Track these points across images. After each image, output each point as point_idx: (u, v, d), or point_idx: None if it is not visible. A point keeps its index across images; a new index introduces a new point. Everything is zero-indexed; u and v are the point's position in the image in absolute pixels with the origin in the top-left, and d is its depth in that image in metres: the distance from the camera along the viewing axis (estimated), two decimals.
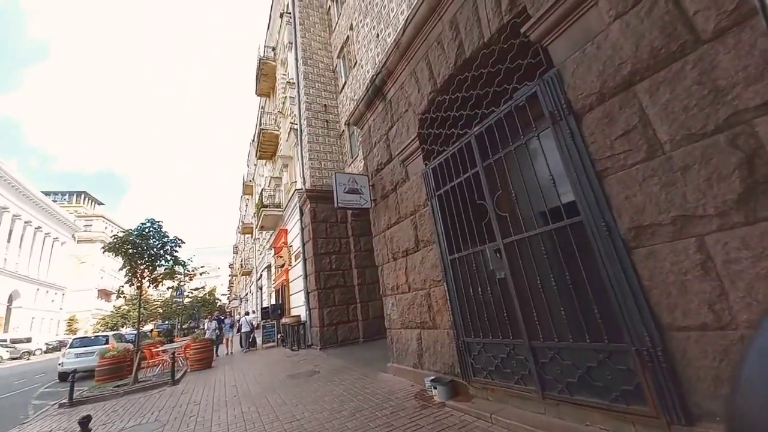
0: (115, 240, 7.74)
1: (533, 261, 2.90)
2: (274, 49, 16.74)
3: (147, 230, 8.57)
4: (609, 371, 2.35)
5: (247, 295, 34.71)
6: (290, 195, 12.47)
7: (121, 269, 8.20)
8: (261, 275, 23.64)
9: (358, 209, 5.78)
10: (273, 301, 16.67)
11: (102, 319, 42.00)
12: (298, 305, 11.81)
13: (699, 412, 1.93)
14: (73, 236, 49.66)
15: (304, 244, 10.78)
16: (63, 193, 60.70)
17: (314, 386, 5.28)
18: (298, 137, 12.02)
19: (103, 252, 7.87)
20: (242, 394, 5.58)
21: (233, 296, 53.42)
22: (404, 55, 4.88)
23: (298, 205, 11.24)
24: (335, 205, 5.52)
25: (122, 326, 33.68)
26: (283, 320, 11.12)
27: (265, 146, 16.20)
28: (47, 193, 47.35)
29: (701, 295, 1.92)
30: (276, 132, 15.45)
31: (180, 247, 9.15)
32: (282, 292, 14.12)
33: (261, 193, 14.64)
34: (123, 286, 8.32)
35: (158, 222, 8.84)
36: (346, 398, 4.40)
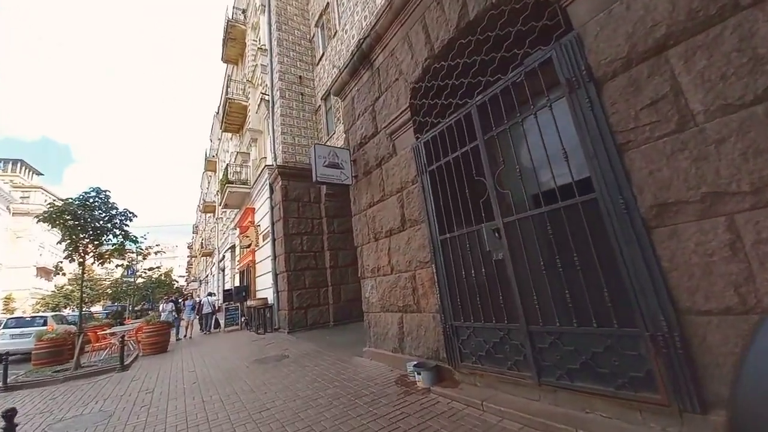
0: (51, 209, 6.70)
1: (537, 242, 2.71)
2: (244, 11, 15.33)
3: (91, 200, 7.56)
4: (616, 357, 2.23)
5: (207, 276, 33.00)
6: (259, 171, 11.65)
7: (59, 243, 7.19)
8: (223, 256, 22.43)
9: (337, 185, 5.36)
10: (237, 283, 15.85)
11: (42, 299, 38.14)
12: (264, 287, 11.23)
13: (715, 399, 1.83)
14: (8, 208, 44.15)
15: (273, 224, 10.16)
16: None
17: (284, 371, 4.93)
18: (270, 109, 11.17)
19: (37, 222, 6.82)
20: (203, 380, 5.10)
21: (192, 278, 50.77)
22: (397, 17, 4.44)
23: (268, 182, 10.52)
24: (314, 179, 5.06)
25: (65, 307, 30.83)
26: (249, 302, 10.51)
27: (232, 118, 15.00)
28: None
29: (727, 277, 1.80)
30: (244, 103, 14.31)
31: (131, 221, 8.21)
32: (247, 273, 13.39)
33: (226, 168, 13.60)
34: (62, 262, 7.30)
35: (105, 192, 7.82)
36: (320, 384, 4.10)
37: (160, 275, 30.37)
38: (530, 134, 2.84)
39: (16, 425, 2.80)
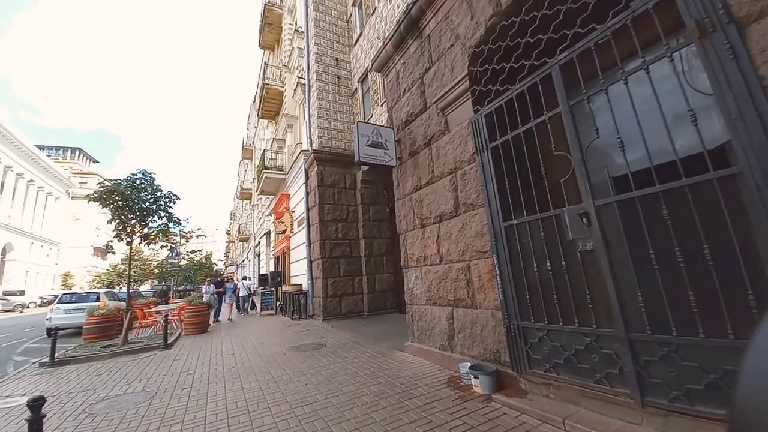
0: (102, 189, 6.90)
1: (645, 229, 2.16)
2: None
3: (138, 182, 7.75)
4: None
5: (244, 261, 34.38)
6: (295, 157, 11.56)
7: (109, 222, 7.44)
8: (259, 242, 23.07)
9: (380, 166, 4.96)
10: (272, 269, 16.15)
11: (98, 276, 41.78)
12: (299, 274, 11.23)
13: None
14: (67, 192, 48.52)
15: (308, 210, 10.02)
16: (57, 148, 58.75)
17: (323, 362, 4.70)
18: (306, 93, 10.94)
19: (88, 201, 7.07)
20: (242, 365, 5.01)
21: (230, 262, 53.32)
22: None
23: (303, 167, 10.37)
24: (356, 158, 4.71)
25: (118, 285, 33.48)
26: (284, 288, 10.55)
27: (269, 104, 15.03)
28: (41, 147, 45.60)
29: None
30: (280, 88, 14.24)
31: (175, 203, 8.36)
32: (282, 259, 13.53)
33: (263, 154, 13.67)
34: (112, 241, 7.58)
35: (150, 174, 7.99)
36: (363, 380, 3.80)
37: (201, 258, 32.03)
38: (637, 96, 2.26)
39: (43, 416, 2.41)
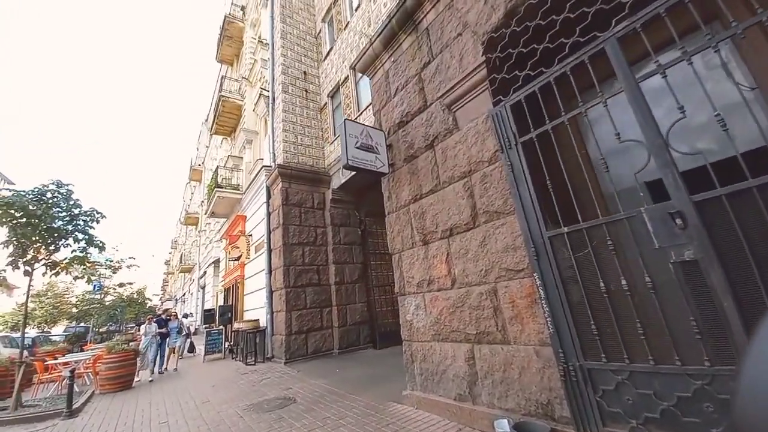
0: None
1: None
2: (243, 8, 14.47)
3: (50, 195, 6.09)
4: None
5: (185, 295, 30.53)
6: (254, 175, 10.37)
7: (3, 245, 5.66)
8: (205, 272, 20.50)
9: (372, 173, 4.18)
10: (220, 303, 14.09)
11: (1, 317, 34.15)
12: (254, 307, 9.69)
13: None
14: None
15: (270, 232, 8.79)
16: None
17: (296, 427, 3.53)
18: (270, 105, 10.06)
19: None
20: None
21: (167, 297, 47.39)
22: None
23: (265, 184, 9.23)
24: (343, 162, 3.89)
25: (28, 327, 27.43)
26: (237, 325, 8.90)
27: (224, 118, 13.77)
28: None
29: None
30: (239, 102, 13.14)
31: (98, 222, 6.74)
32: (233, 291, 11.77)
33: (215, 171, 12.20)
34: (4, 271, 5.74)
35: (67, 186, 6.37)
36: None
37: (132, 293, 27.69)
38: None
39: None
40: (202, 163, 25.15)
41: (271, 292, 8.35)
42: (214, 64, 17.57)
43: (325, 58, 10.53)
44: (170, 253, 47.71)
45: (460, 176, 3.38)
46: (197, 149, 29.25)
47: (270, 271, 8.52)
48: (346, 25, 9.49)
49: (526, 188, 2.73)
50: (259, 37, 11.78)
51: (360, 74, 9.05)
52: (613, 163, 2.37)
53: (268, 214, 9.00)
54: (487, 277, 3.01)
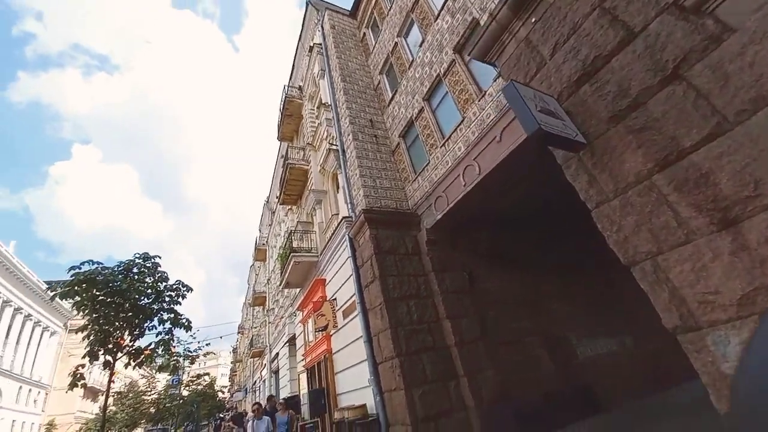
0: (76, 277, 4.49)
1: None
2: (300, 88, 15.53)
3: (138, 271, 5.42)
4: None
5: (255, 383, 28.98)
6: (332, 231, 9.52)
7: (77, 332, 4.87)
8: (277, 354, 19.16)
9: (568, 142, 2.79)
10: (301, 388, 12.35)
11: (85, 424, 34.75)
12: (351, 389, 7.92)
13: None
14: (65, 325, 44.75)
15: (362, 289, 7.43)
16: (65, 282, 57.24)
17: None
18: (340, 158, 9.60)
19: (52, 299, 4.61)
20: None
21: (236, 388, 46.12)
22: None
23: (347, 236, 8.21)
24: (528, 130, 2.59)
25: None
26: (338, 415, 7.08)
27: (291, 186, 13.76)
28: (50, 284, 43.87)
29: None
30: (305, 167, 13.15)
31: (185, 297, 5.88)
32: (319, 370, 10.11)
33: (288, 237, 11.66)
34: (80, 366, 4.82)
35: (153, 258, 5.74)
36: None
37: (205, 386, 26.78)
38: None
39: None
40: (266, 241, 25.78)
41: (375, 365, 6.64)
42: (268, 156, 18.72)
43: (389, 103, 10.23)
44: (237, 339, 47.83)
45: None
46: (260, 230, 30.54)
47: (370, 338, 6.93)
48: (411, 63, 9.20)
49: None
50: (320, 101, 12.06)
51: (438, 102, 8.46)
52: None
53: (356, 269, 7.76)
54: None
